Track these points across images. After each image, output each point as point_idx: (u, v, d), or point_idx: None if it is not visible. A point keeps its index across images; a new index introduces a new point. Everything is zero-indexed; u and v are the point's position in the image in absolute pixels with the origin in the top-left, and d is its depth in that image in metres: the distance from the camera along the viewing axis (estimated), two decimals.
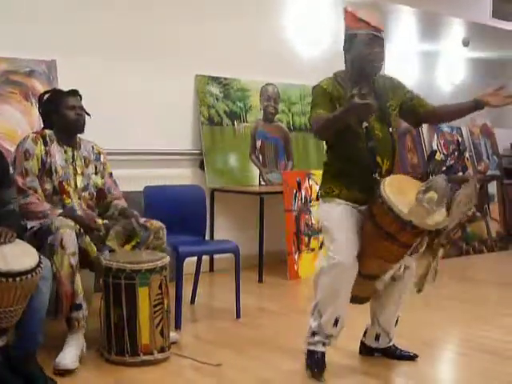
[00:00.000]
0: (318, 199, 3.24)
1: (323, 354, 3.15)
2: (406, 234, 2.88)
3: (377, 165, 3.03)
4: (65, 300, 3.18)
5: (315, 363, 3.12)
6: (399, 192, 2.93)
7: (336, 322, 3.09)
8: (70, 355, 3.12)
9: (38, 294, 2.86)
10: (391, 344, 3.37)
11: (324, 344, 3.14)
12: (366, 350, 3.41)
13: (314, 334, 3.13)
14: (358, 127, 3.01)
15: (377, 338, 3.34)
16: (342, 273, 3.00)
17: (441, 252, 2.99)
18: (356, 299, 3.20)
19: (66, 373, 3.06)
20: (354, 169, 3.05)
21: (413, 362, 3.33)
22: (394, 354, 3.35)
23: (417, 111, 3.19)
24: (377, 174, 3.01)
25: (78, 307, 3.20)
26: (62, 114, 3.48)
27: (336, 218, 3.05)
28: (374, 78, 3.12)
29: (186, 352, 3.43)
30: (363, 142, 3.02)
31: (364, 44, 2.98)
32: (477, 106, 3.03)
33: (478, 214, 3.05)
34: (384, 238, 2.92)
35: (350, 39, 3.05)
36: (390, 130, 3.09)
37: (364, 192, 3.02)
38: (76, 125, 3.50)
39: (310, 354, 3.16)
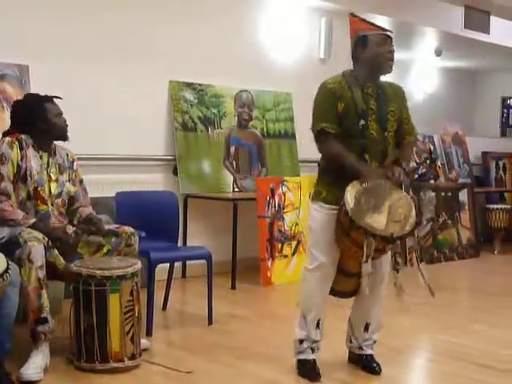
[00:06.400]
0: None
1: (314, 361, 3.22)
2: (354, 232, 2.94)
3: (364, 161, 3.08)
4: (30, 314, 3.14)
5: (309, 371, 3.19)
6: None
7: (318, 325, 3.19)
8: (34, 366, 3.08)
9: (5, 300, 2.82)
10: (364, 353, 3.34)
11: (313, 350, 3.22)
12: (350, 357, 3.43)
13: (301, 341, 3.21)
14: (354, 124, 3.08)
15: (348, 338, 3.40)
16: (323, 274, 3.13)
17: (400, 263, 3.08)
18: (337, 293, 3.30)
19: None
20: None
21: (383, 367, 3.32)
22: (363, 364, 3.34)
23: (401, 137, 3.24)
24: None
25: (44, 321, 3.15)
26: (51, 122, 3.42)
27: (320, 222, 3.14)
28: (381, 81, 3.20)
29: (157, 359, 3.41)
30: (357, 138, 3.08)
31: (378, 44, 3.13)
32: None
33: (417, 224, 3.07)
34: (344, 234, 3.02)
35: (362, 41, 3.16)
36: (385, 134, 3.13)
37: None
38: (64, 132, 3.48)
39: (302, 365, 3.23)
